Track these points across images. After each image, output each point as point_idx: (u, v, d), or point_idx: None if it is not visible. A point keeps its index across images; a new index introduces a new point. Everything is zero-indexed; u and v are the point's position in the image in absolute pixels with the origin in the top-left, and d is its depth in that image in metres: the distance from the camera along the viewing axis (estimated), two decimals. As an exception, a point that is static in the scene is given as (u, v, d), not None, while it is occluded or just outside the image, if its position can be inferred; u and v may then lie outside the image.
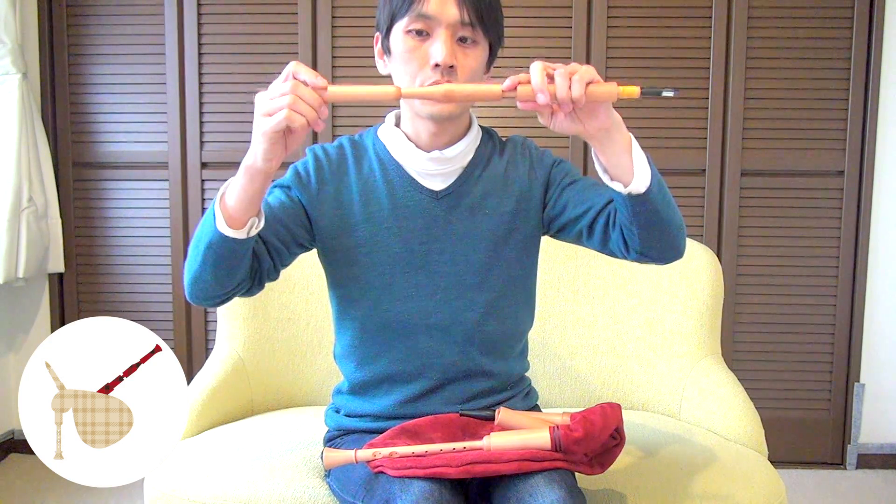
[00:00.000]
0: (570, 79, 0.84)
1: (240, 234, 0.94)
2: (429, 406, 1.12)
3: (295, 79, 0.85)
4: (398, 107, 1.10)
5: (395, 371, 1.12)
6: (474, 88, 0.91)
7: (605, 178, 0.95)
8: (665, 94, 0.86)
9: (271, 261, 1.04)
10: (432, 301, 1.10)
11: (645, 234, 0.97)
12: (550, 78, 0.85)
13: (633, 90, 0.85)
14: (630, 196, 0.93)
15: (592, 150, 0.95)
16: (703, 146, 2.29)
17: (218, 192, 0.95)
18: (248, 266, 1.00)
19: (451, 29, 0.99)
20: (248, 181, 0.91)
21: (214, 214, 0.93)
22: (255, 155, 0.88)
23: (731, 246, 2.31)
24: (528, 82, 0.85)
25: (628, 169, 0.92)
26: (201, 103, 2.31)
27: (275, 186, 1.10)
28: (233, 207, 0.93)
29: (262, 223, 0.97)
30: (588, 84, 0.84)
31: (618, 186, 0.93)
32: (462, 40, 1.00)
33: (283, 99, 0.84)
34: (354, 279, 1.11)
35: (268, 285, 1.61)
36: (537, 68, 0.85)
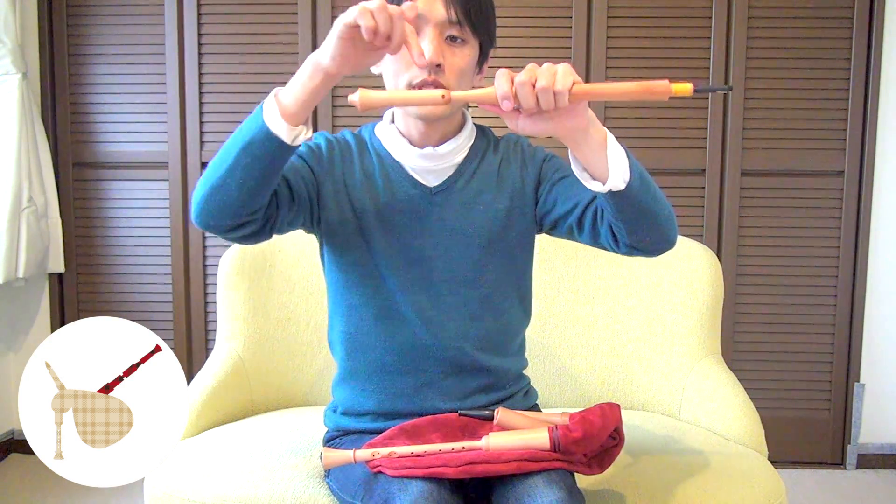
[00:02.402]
0: (554, 91, 0.82)
1: (287, 136, 0.89)
2: (426, 402, 1.12)
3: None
4: None
5: (389, 363, 1.12)
6: (473, 93, 0.88)
7: (585, 178, 0.94)
8: (718, 91, 0.84)
9: (287, 209, 1.02)
10: (426, 295, 1.10)
11: (633, 228, 0.96)
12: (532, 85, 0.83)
13: (686, 88, 0.81)
14: (611, 194, 0.92)
15: (569, 151, 0.93)
16: (703, 146, 2.29)
17: (269, 94, 0.91)
18: (272, 194, 0.96)
19: (438, 27, 0.99)
20: (308, 76, 0.87)
21: (262, 110, 0.90)
22: (324, 48, 0.86)
23: (731, 246, 2.31)
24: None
25: (605, 166, 0.90)
26: (201, 103, 2.31)
27: None
28: (287, 102, 0.89)
29: (310, 134, 0.93)
30: (572, 87, 0.82)
31: (597, 186, 0.92)
32: (452, 39, 1.01)
33: (374, 2, 0.83)
34: (351, 266, 1.11)
35: (267, 285, 1.62)
36: (523, 77, 0.82)
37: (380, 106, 0.88)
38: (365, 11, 0.82)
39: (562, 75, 0.82)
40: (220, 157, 0.93)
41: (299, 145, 0.92)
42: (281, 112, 0.89)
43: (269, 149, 0.89)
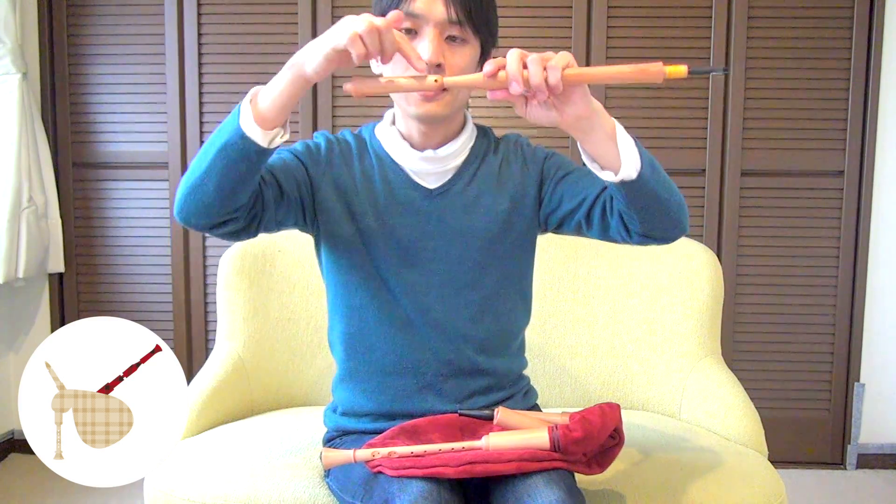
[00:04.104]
0: (545, 66, 0.83)
1: (262, 140, 0.88)
2: (426, 403, 1.12)
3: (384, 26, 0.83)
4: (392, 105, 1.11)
5: (389, 364, 1.12)
6: (466, 78, 0.91)
7: (595, 168, 0.94)
8: (714, 73, 0.85)
9: (274, 209, 1.01)
10: (427, 298, 1.10)
11: (645, 216, 0.97)
12: (524, 66, 0.84)
13: (681, 70, 0.82)
14: (623, 183, 0.92)
15: (578, 141, 0.94)
16: (703, 146, 2.29)
17: (246, 95, 0.90)
18: (252, 194, 0.95)
19: (438, 27, 0.98)
20: (289, 82, 0.87)
21: (239, 112, 0.89)
22: (306, 58, 0.86)
23: (731, 246, 2.31)
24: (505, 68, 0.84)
25: (615, 156, 0.91)
26: (201, 103, 2.31)
27: (284, 150, 1.08)
28: (263, 107, 0.88)
29: (287, 136, 0.93)
30: (564, 69, 0.83)
31: (608, 175, 0.93)
32: (451, 39, 1.00)
33: (362, 24, 0.83)
34: (351, 269, 1.11)
35: (267, 285, 1.62)
36: (514, 55, 0.84)
37: (374, 94, 0.88)
38: (355, 39, 0.82)
39: (556, 56, 0.83)
40: (199, 158, 0.93)
41: (276, 148, 0.92)
42: (256, 117, 0.88)
43: (244, 153, 0.89)
